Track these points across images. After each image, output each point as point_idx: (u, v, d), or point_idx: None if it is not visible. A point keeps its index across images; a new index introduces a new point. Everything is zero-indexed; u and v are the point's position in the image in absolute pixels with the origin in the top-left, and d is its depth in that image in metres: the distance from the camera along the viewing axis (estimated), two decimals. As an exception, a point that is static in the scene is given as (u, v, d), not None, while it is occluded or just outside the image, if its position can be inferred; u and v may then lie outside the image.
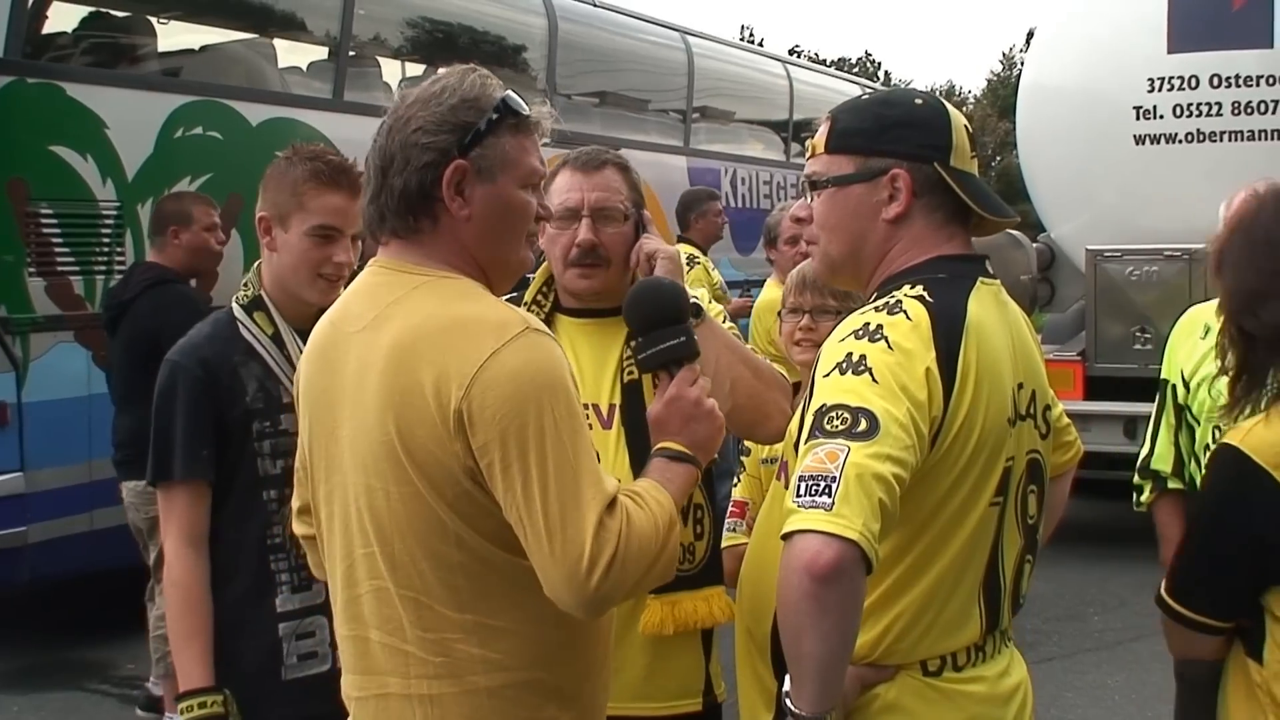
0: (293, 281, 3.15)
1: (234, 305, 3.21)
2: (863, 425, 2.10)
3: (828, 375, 2.20)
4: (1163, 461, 4.03)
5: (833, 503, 2.03)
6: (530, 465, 2.10)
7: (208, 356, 3.12)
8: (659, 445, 2.39)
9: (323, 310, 3.15)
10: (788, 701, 2.13)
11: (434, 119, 2.28)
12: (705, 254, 9.68)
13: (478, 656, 2.22)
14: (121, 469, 6.20)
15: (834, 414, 2.13)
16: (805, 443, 2.14)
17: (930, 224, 2.41)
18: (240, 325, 3.17)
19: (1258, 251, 2.75)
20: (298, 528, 2.67)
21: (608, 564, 2.08)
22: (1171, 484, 4.00)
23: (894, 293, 2.32)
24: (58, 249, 7.25)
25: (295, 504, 2.66)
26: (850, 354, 2.20)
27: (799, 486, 2.08)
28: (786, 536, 2.06)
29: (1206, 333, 3.84)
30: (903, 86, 57.35)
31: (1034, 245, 10.46)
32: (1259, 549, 2.60)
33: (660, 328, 2.46)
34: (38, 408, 7.01)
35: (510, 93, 2.35)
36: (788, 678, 2.15)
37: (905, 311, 2.25)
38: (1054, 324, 10.46)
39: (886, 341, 2.20)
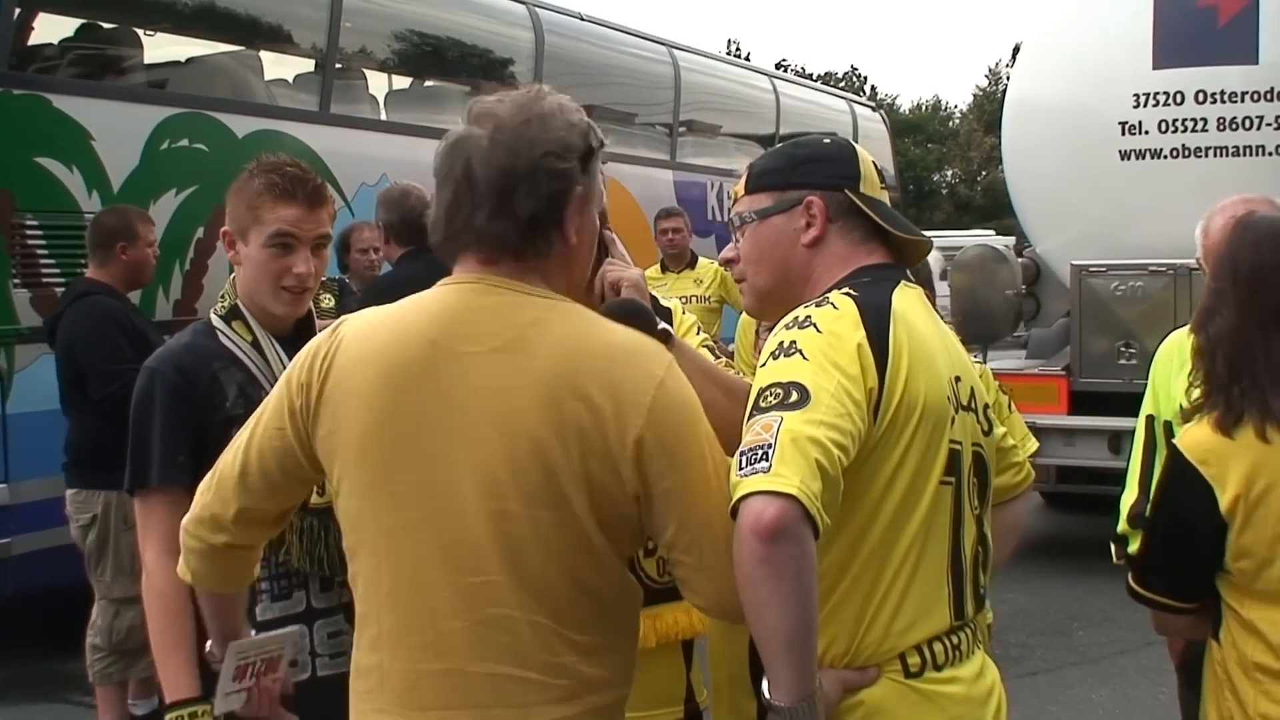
0: (258, 294, 3.15)
1: (212, 316, 3.20)
2: (794, 397, 2.20)
3: (764, 365, 2.32)
4: None
5: (770, 465, 2.10)
6: (711, 486, 2.19)
7: (185, 363, 3.10)
8: None
9: (298, 319, 3.17)
10: (766, 697, 2.16)
11: (560, 144, 2.25)
12: (666, 270, 9.84)
13: (595, 677, 2.24)
14: (66, 476, 6.27)
15: (767, 392, 2.24)
16: (746, 422, 2.23)
17: (848, 243, 2.56)
18: (220, 334, 3.16)
19: (1216, 271, 2.99)
20: (216, 536, 2.50)
21: None
22: None
23: (816, 298, 2.46)
24: (43, 261, 7.25)
25: (224, 510, 2.47)
26: (782, 342, 2.33)
27: (739, 461, 2.16)
28: (733, 512, 2.12)
29: None
30: (888, 100, 57.60)
31: (1019, 260, 10.48)
32: (1193, 536, 2.87)
33: None
34: (22, 419, 7.00)
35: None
36: (765, 677, 2.18)
37: (832, 303, 2.39)
38: (1039, 339, 10.48)
39: (815, 327, 2.33)
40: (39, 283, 7.19)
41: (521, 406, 2.16)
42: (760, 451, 2.13)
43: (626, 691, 2.32)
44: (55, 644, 7.56)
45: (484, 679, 2.20)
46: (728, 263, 2.65)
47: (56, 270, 7.24)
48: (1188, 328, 3.87)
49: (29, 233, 7.19)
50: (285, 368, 3.02)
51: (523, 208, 2.22)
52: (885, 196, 2.63)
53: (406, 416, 2.22)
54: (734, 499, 2.12)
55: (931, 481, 2.37)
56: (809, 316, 2.35)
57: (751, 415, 2.22)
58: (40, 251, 7.23)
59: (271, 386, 3.00)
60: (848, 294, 2.41)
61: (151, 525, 3.07)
